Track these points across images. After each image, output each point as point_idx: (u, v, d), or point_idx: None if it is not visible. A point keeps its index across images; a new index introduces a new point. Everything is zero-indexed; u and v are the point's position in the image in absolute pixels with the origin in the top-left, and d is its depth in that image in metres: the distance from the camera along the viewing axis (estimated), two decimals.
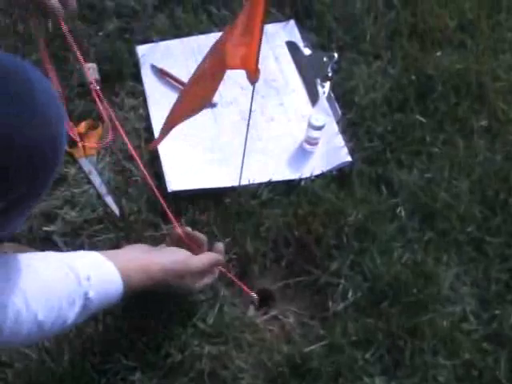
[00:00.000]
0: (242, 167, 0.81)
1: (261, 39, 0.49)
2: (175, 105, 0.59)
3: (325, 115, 1.02)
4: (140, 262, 0.75)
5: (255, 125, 1.03)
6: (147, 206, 0.95)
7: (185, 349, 0.83)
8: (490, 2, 1.23)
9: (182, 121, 0.60)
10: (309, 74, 1.10)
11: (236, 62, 0.49)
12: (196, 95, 0.56)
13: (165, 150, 0.99)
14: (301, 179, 0.98)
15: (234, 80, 1.02)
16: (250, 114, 0.69)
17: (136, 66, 1.11)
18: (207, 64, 0.52)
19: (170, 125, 0.58)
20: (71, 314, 0.65)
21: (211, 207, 0.95)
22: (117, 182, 0.98)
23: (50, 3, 0.69)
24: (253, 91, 0.58)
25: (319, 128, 0.98)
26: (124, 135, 0.86)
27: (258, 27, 0.50)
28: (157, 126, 1.02)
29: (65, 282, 0.65)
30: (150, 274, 0.75)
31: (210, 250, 0.86)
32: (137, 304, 0.86)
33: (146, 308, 0.86)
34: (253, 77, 0.52)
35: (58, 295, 0.64)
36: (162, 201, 0.81)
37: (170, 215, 0.81)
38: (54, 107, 0.62)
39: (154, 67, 1.10)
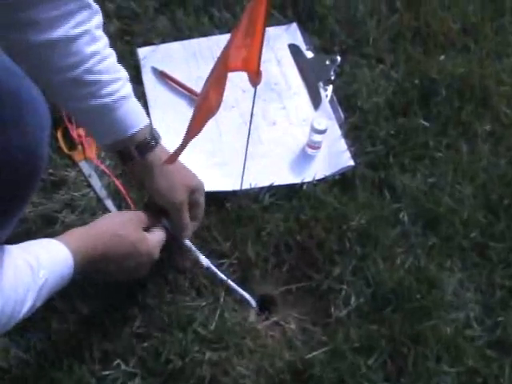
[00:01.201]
0: (243, 171, 0.80)
1: (263, 41, 0.48)
2: (193, 116, 0.57)
3: (327, 119, 1.01)
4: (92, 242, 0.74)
5: (257, 128, 1.02)
6: None
7: (185, 355, 0.82)
8: (493, 5, 1.23)
9: (200, 131, 0.59)
10: (311, 77, 1.10)
11: (237, 64, 0.48)
12: (210, 102, 0.55)
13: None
14: (303, 183, 0.97)
15: (235, 83, 1.01)
16: (251, 117, 0.68)
17: (137, 68, 1.10)
18: (216, 70, 0.51)
19: (189, 137, 0.56)
20: (25, 305, 0.63)
21: (212, 211, 0.94)
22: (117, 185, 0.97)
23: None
24: (254, 94, 0.58)
25: (322, 132, 0.97)
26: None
27: (259, 29, 0.49)
28: (157, 129, 1.01)
29: (20, 273, 0.63)
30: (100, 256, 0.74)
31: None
32: (137, 309, 0.85)
33: (146, 313, 0.85)
34: (254, 79, 0.51)
35: (14, 287, 0.62)
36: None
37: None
38: (32, 112, 0.53)
39: (155, 70, 1.09)
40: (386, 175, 0.99)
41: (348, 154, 0.99)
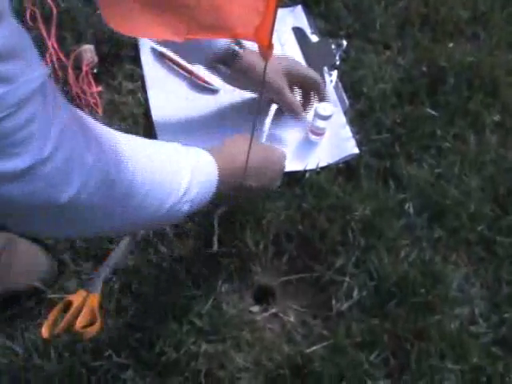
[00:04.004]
0: (247, 158, 0.76)
1: (277, 9, 0.44)
2: None
3: (332, 105, 0.97)
4: (228, 157, 0.76)
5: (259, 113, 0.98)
6: None
7: (180, 347, 0.78)
8: None
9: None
10: (316, 61, 1.06)
11: (248, 32, 0.44)
12: None
13: (162, 132, 0.94)
14: (306, 171, 0.93)
15: None
16: (260, 99, 0.64)
17: (135, 48, 1.06)
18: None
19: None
20: (177, 194, 0.64)
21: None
22: None
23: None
24: (265, 68, 0.54)
25: (326, 118, 0.94)
26: None
27: None
28: (155, 112, 0.97)
29: (177, 162, 0.66)
30: (237, 169, 0.76)
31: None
32: (130, 298, 0.82)
33: (139, 302, 0.82)
34: (265, 52, 0.47)
35: (171, 168, 0.65)
36: None
37: None
38: None
39: (154, 50, 1.05)
40: (392, 164, 0.96)
41: (353, 142, 0.96)
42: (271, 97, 0.94)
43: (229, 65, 0.88)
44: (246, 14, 0.44)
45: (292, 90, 0.94)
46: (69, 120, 0.51)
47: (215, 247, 0.86)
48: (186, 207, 0.66)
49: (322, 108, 0.94)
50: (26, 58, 0.46)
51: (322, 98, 0.96)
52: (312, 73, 0.95)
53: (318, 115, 0.94)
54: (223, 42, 0.86)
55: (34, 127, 0.47)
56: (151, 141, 0.68)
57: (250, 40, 0.46)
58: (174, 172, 0.65)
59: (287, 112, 0.96)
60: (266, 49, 0.46)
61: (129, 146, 0.60)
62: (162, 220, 0.69)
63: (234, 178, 0.76)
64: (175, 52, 0.97)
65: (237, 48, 0.87)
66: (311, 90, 0.96)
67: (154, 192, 0.61)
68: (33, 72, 0.46)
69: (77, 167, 0.51)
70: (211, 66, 0.90)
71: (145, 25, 0.49)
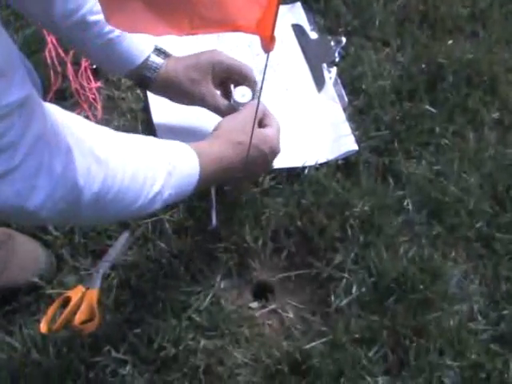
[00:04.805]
0: (247, 154, 0.76)
1: (279, 2, 0.44)
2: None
3: (331, 101, 0.97)
4: (215, 155, 0.76)
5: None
6: None
7: (179, 342, 0.78)
8: None
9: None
10: (315, 58, 1.06)
11: (250, 25, 0.44)
12: None
13: (162, 131, 0.94)
14: (305, 167, 0.93)
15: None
16: (261, 87, 0.64)
17: None
18: None
19: None
20: (146, 197, 0.65)
21: (210, 193, 0.90)
22: None
23: None
24: (266, 60, 0.53)
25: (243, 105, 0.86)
26: None
27: None
28: (154, 107, 0.97)
29: (154, 166, 0.66)
30: (224, 169, 0.77)
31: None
32: (129, 293, 0.82)
33: (138, 298, 0.82)
34: (268, 45, 0.47)
35: (145, 173, 0.65)
36: None
37: None
38: None
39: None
40: (391, 161, 0.96)
41: (352, 138, 0.95)
42: (197, 105, 0.88)
43: (145, 87, 0.88)
44: (247, 7, 0.44)
45: (222, 84, 0.88)
46: (43, 130, 0.53)
47: (213, 224, 0.86)
48: (157, 206, 0.68)
49: (240, 94, 0.86)
50: (12, 76, 0.48)
51: (253, 87, 0.87)
52: (236, 62, 0.87)
53: (235, 102, 0.86)
54: (145, 56, 0.83)
55: (7, 139, 0.49)
56: (131, 140, 0.68)
57: (252, 33, 0.46)
58: (146, 177, 0.65)
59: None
60: (269, 41, 0.46)
61: (103, 150, 0.60)
62: (131, 216, 0.77)
63: (218, 176, 0.77)
64: (97, 62, 0.94)
65: (148, 74, 0.84)
66: (240, 78, 0.87)
67: (122, 196, 0.63)
68: (15, 91, 0.48)
69: (45, 177, 0.53)
70: (134, 80, 0.88)
71: (147, 22, 0.49)
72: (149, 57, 0.83)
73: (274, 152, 0.83)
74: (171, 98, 0.89)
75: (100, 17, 0.77)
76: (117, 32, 0.79)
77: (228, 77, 0.87)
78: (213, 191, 0.88)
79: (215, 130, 0.81)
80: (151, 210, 0.69)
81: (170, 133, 0.95)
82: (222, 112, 0.87)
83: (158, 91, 0.88)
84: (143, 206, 0.66)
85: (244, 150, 0.77)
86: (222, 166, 0.76)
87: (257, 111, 0.70)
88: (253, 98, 0.86)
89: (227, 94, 0.88)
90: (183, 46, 0.92)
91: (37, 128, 0.52)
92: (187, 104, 0.89)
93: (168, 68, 0.85)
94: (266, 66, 0.55)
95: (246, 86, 0.87)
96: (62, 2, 0.75)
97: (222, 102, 0.87)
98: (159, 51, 0.85)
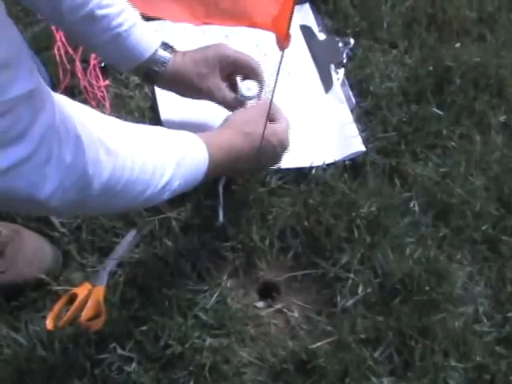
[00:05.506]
0: (259, 153, 0.76)
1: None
2: None
3: (338, 102, 0.97)
4: (224, 144, 0.76)
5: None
6: None
7: (185, 340, 0.78)
8: None
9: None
10: (323, 59, 1.06)
11: (266, 22, 0.44)
12: None
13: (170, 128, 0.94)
14: (312, 167, 0.93)
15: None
16: (275, 84, 0.64)
17: None
18: None
19: None
20: (155, 187, 0.66)
21: (218, 190, 0.90)
22: None
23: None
24: (281, 58, 0.54)
25: (250, 99, 0.87)
26: None
27: None
28: (162, 106, 0.97)
29: (163, 156, 0.67)
30: (232, 159, 0.77)
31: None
32: (135, 291, 0.82)
33: (144, 296, 0.82)
34: (283, 43, 0.47)
35: (154, 163, 0.65)
36: None
37: None
38: None
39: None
40: (398, 163, 0.96)
41: (359, 139, 0.96)
42: (204, 99, 0.88)
43: (156, 75, 0.85)
44: (264, 4, 0.44)
45: (229, 78, 0.88)
46: (52, 121, 0.53)
47: (220, 219, 0.86)
48: (166, 196, 0.68)
49: (246, 88, 0.87)
50: (17, 68, 0.48)
51: (260, 80, 0.88)
52: (243, 55, 0.88)
53: (241, 95, 0.87)
54: (151, 50, 0.83)
55: (17, 129, 0.49)
56: (140, 130, 0.69)
57: (267, 30, 0.46)
58: (156, 168, 0.65)
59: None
60: (284, 39, 0.46)
61: (113, 140, 0.61)
62: (139, 206, 0.77)
63: (226, 165, 0.77)
64: (103, 57, 0.93)
65: (156, 68, 0.84)
66: (247, 72, 0.88)
67: (132, 186, 0.63)
68: (22, 83, 0.48)
69: (55, 166, 0.53)
70: (140, 75, 0.88)
71: (164, 6, 0.49)
72: (156, 51, 0.83)
73: (283, 145, 0.84)
74: (178, 92, 0.89)
75: (108, 11, 0.77)
76: (125, 26, 0.79)
77: (235, 70, 0.88)
78: (220, 188, 0.88)
79: (224, 122, 0.81)
80: (160, 201, 0.69)
81: (178, 128, 0.94)
82: (229, 105, 0.87)
83: (165, 86, 0.89)
84: (152, 197, 0.66)
85: (253, 141, 0.77)
86: (230, 156, 0.77)
87: (270, 106, 0.70)
88: (259, 93, 0.87)
89: (233, 88, 0.88)
90: (191, 45, 0.92)
91: (46, 119, 0.52)
92: (194, 98, 0.89)
93: (176, 62, 0.85)
94: (280, 63, 0.55)
95: (253, 79, 0.87)
96: None
97: (230, 95, 0.87)
98: (166, 45, 0.85)
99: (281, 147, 0.84)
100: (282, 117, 0.85)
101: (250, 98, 0.87)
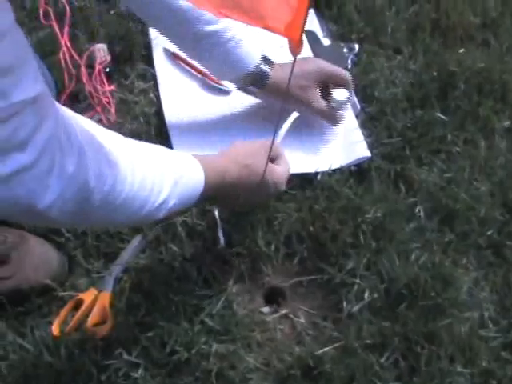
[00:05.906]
0: (267, 161, 0.76)
1: (310, 5, 0.44)
2: None
3: (347, 92, 0.97)
4: (219, 169, 0.76)
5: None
6: None
7: (191, 346, 0.78)
8: None
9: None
10: None
11: (279, 27, 0.44)
12: None
13: (177, 141, 0.94)
14: (317, 173, 0.94)
15: None
16: (275, 131, 0.64)
17: (148, 47, 1.06)
18: None
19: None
20: (153, 204, 0.65)
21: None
22: None
23: None
24: (293, 64, 0.53)
25: (340, 104, 0.94)
26: None
27: None
28: (167, 111, 0.98)
29: (161, 173, 0.67)
30: (225, 186, 0.77)
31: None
32: (141, 296, 0.82)
33: (151, 301, 0.82)
34: (296, 48, 0.47)
35: (152, 180, 0.65)
36: None
37: None
38: None
39: (166, 51, 1.05)
40: (402, 168, 0.96)
41: (364, 145, 0.96)
42: (300, 110, 0.95)
43: (258, 86, 0.92)
44: (279, 8, 0.44)
45: (323, 90, 0.95)
46: (55, 130, 0.53)
47: (221, 243, 0.86)
48: (161, 214, 0.68)
49: (339, 94, 0.94)
50: (22, 73, 0.48)
51: (348, 87, 0.96)
52: (335, 68, 0.95)
53: (335, 102, 0.94)
54: (254, 63, 0.89)
55: (21, 135, 0.49)
56: (140, 147, 0.68)
57: (280, 35, 0.46)
58: (154, 184, 0.65)
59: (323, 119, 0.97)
60: (296, 45, 0.46)
61: (114, 154, 0.61)
62: (139, 222, 0.79)
63: (218, 191, 0.76)
64: (207, 68, 0.97)
65: (266, 69, 0.90)
66: (338, 82, 0.95)
67: (131, 201, 0.63)
68: (26, 88, 0.48)
69: (57, 176, 0.53)
70: (241, 85, 0.94)
71: None
72: (258, 64, 0.89)
73: (277, 188, 0.83)
74: (274, 100, 0.94)
75: (217, 26, 0.85)
76: (233, 41, 0.86)
77: (328, 81, 0.94)
78: (216, 213, 0.88)
79: (225, 149, 0.81)
80: (155, 219, 0.69)
81: (183, 134, 0.95)
82: (325, 114, 0.95)
83: (265, 96, 0.95)
84: (149, 214, 0.66)
85: (250, 173, 0.78)
86: (224, 182, 0.76)
87: (272, 143, 0.72)
88: (350, 98, 0.96)
89: (325, 97, 0.95)
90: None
91: (49, 127, 0.52)
92: (291, 108, 0.95)
93: (276, 75, 0.90)
94: (291, 71, 0.55)
95: (344, 87, 0.95)
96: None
97: (325, 104, 0.94)
98: (266, 59, 0.91)
99: (275, 189, 0.83)
100: (283, 161, 0.85)
101: (341, 104, 0.94)
